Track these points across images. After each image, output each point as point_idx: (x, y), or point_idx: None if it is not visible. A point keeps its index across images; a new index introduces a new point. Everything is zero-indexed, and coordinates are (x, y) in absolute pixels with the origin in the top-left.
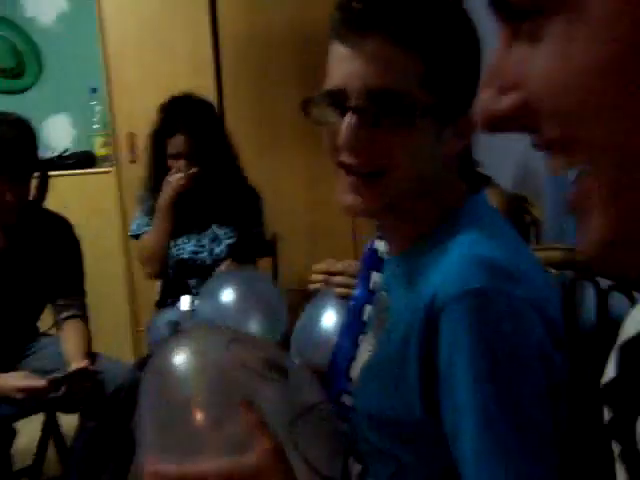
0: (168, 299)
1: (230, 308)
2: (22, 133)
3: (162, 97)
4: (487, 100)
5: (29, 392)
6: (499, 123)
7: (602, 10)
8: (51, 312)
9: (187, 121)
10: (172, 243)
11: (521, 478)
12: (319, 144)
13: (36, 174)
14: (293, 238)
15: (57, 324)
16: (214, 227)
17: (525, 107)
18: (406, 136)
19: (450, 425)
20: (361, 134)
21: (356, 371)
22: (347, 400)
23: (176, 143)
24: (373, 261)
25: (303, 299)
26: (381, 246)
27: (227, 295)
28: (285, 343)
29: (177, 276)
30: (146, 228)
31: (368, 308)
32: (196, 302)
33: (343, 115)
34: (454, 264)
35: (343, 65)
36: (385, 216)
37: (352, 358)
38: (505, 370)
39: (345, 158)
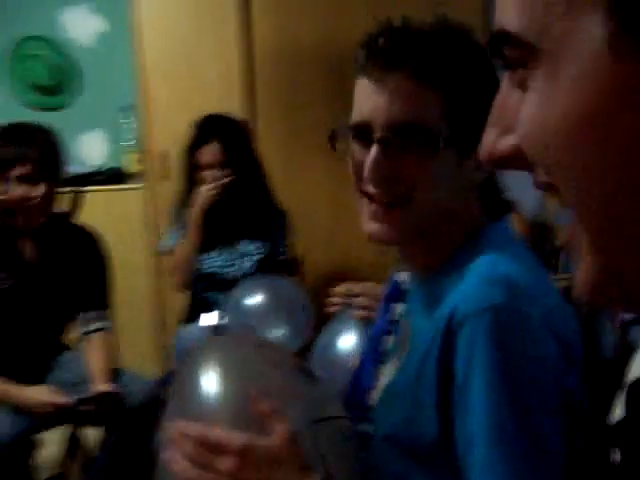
0: (195, 314)
1: (256, 312)
2: (53, 135)
3: (194, 116)
4: (489, 140)
5: (54, 408)
6: (499, 163)
7: (572, 70)
8: (77, 325)
9: (219, 130)
10: (201, 257)
11: None
12: (347, 163)
13: (69, 189)
14: (319, 256)
15: (82, 337)
16: (243, 243)
17: (520, 150)
18: (428, 167)
19: (462, 441)
20: (385, 165)
21: (377, 394)
22: (365, 429)
23: (208, 152)
24: (395, 292)
25: (325, 317)
26: (403, 277)
27: (253, 299)
28: (307, 349)
29: (205, 291)
30: (177, 242)
31: (388, 338)
32: (221, 317)
33: (368, 147)
34: (473, 283)
35: (368, 100)
36: (408, 244)
37: (370, 388)
38: (520, 387)
39: (369, 188)
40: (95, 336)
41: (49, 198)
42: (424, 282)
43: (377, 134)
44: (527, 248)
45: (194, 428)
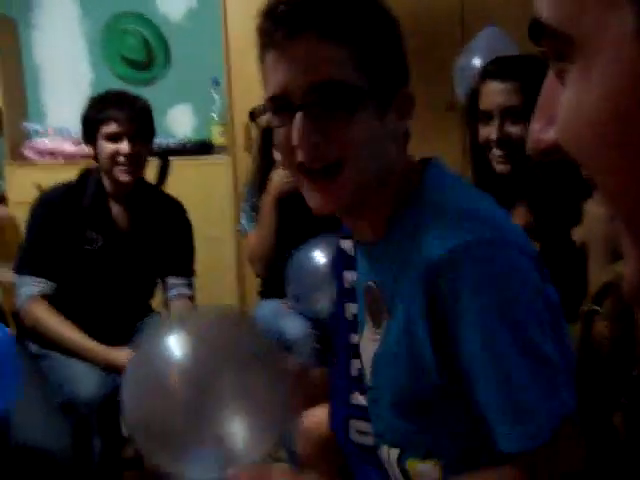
0: (272, 291)
1: (321, 271)
2: (140, 99)
3: None
4: (534, 131)
5: None
6: (545, 153)
7: (604, 64)
8: (161, 290)
9: None
10: (283, 256)
11: (536, 401)
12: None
13: (157, 159)
14: None
15: (166, 302)
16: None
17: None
18: (353, 124)
19: (467, 370)
20: (312, 129)
21: (366, 367)
22: (359, 399)
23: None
24: (342, 261)
25: None
26: (347, 245)
27: (317, 258)
28: None
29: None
30: (251, 227)
31: (350, 306)
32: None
33: (291, 118)
34: (441, 225)
35: (281, 70)
36: (354, 208)
37: (350, 357)
38: (512, 307)
39: (301, 157)
40: (178, 302)
41: (136, 157)
42: (385, 240)
43: (297, 101)
44: (466, 182)
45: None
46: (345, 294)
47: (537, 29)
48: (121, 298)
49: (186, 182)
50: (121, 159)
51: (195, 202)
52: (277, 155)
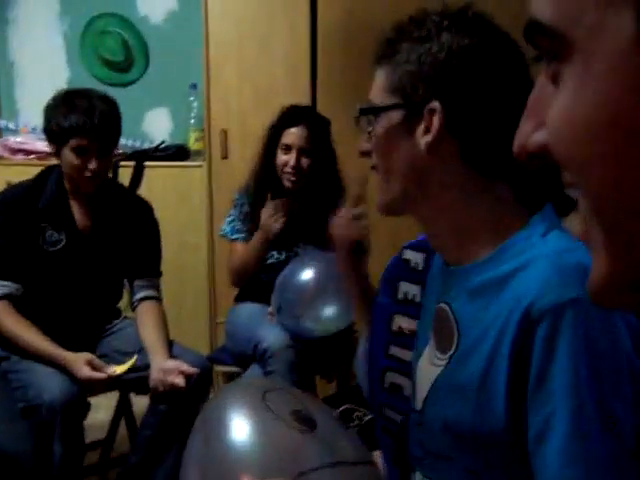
0: (248, 294)
1: (308, 289)
2: (112, 107)
3: (258, 96)
4: (523, 133)
5: (93, 381)
6: (532, 157)
7: (602, 66)
8: (129, 292)
9: (308, 115)
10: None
11: None
12: None
13: (132, 163)
14: (377, 243)
15: (132, 304)
16: (300, 246)
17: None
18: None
19: (537, 429)
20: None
21: (419, 389)
22: (390, 414)
23: (292, 133)
24: (401, 270)
25: None
26: (414, 257)
27: (304, 276)
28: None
29: (259, 274)
30: (238, 236)
31: (399, 319)
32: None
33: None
34: (545, 274)
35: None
36: (439, 237)
37: (385, 368)
38: (603, 378)
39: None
40: (146, 304)
41: (102, 171)
42: (473, 269)
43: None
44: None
45: None
46: (395, 305)
47: (533, 28)
48: (87, 299)
49: (161, 186)
50: (87, 173)
51: (170, 207)
52: (280, 160)
